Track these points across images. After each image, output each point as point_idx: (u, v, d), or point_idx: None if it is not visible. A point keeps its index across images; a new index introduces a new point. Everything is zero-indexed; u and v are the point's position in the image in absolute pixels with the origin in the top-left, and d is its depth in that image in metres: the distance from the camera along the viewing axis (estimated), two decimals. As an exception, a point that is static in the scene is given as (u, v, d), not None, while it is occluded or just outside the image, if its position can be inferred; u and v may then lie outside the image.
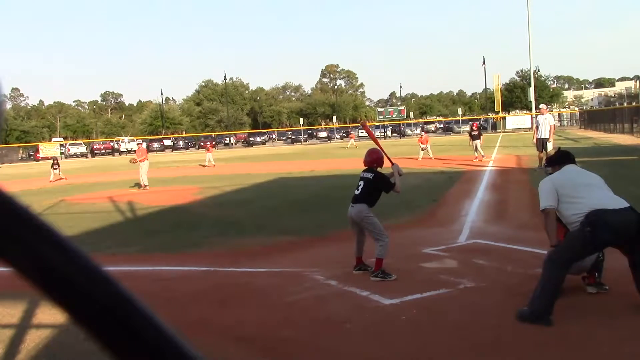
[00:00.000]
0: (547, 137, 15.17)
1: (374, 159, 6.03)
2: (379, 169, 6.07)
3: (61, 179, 22.65)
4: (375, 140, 6.67)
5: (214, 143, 33.93)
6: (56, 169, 22.93)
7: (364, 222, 5.76)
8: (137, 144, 17.98)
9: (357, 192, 5.87)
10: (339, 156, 29.77)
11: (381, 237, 5.69)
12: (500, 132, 50.00)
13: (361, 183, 5.91)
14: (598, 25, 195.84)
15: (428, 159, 21.83)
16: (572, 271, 4.60)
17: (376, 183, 5.87)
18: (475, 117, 68.74)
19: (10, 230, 0.35)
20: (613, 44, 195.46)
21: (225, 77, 77.62)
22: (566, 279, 4.45)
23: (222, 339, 4.35)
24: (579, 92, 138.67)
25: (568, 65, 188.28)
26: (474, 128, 21.87)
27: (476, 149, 20.80)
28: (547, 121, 15.44)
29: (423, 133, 25.63)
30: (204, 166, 26.60)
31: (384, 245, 5.65)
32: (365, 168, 6.08)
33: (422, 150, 22.77)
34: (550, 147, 15.11)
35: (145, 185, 16.79)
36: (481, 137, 21.67)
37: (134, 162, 17.19)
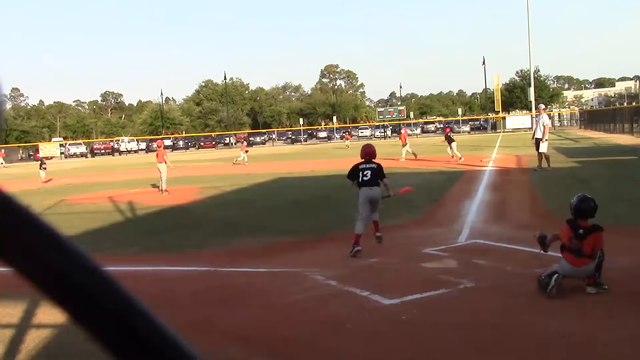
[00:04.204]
0: (540, 137, 15.18)
1: (368, 152, 7.19)
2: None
3: (50, 180, 22.38)
4: None
5: (245, 143, 34.94)
6: (45, 169, 22.61)
7: (380, 199, 6.96)
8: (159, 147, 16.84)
9: (367, 178, 6.90)
10: (339, 156, 29.74)
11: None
12: (500, 132, 49.99)
13: (368, 172, 6.95)
14: (598, 25, 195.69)
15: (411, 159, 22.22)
16: (573, 275, 4.60)
17: (380, 170, 7.04)
18: (475, 117, 68.58)
19: (10, 230, 0.35)
20: (613, 44, 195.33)
21: (225, 77, 77.67)
22: (567, 280, 4.45)
23: (222, 339, 4.35)
24: (579, 92, 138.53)
25: (568, 65, 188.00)
26: (446, 133, 23.17)
27: (451, 150, 21.42)
28: (541, 121, 15.46)
29: (402, 130, 26.18)
30: (235, 164, 26.91)
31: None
32: (363, 160, 7.09)
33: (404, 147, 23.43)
34: (544, 147, 15.12)
35: (163, 190, 15.70)
36: (454, 141, 22.30)
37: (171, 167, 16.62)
